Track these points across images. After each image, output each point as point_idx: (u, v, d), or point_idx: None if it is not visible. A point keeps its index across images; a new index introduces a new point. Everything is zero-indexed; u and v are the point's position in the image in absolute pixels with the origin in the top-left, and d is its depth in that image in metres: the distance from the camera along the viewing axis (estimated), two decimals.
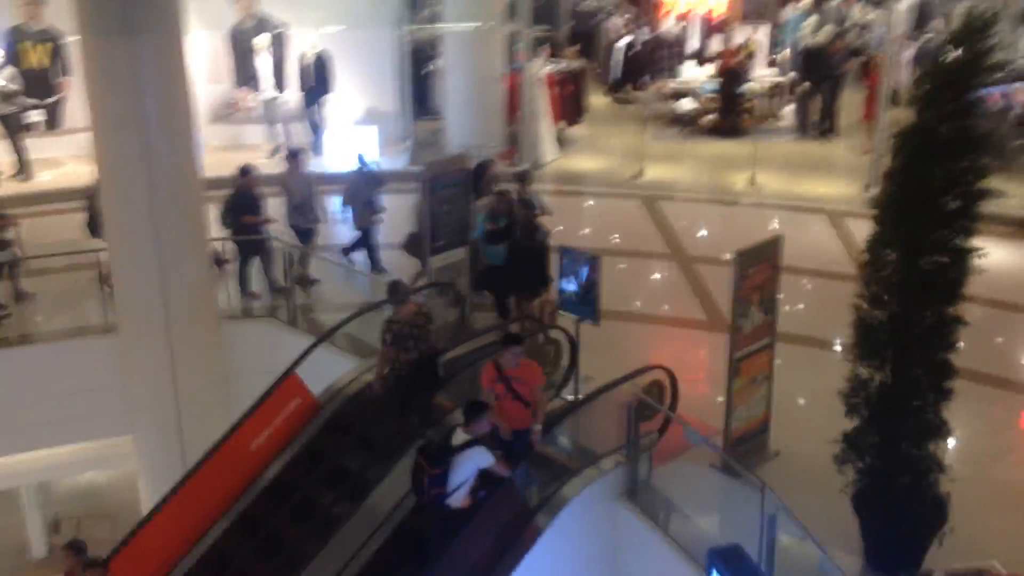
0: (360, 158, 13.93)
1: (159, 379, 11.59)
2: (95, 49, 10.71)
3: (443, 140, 18.41)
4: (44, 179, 16.75)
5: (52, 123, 17.45)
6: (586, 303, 10.34)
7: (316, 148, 17.91)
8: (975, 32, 6.92)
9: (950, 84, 6.97)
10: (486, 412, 8.38)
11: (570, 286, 10.49)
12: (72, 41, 16.74)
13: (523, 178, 12.54)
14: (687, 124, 20.01)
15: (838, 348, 11.42)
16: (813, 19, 20.14)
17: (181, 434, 11.79)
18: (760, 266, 9.12)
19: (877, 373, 7.87)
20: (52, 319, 12.67)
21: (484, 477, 8.36)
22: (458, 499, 8.28)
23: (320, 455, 10.01)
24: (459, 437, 8.25)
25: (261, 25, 17.76)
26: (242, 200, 12.55)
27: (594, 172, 18.09)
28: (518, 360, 8.86)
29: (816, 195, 16.61)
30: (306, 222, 13.10)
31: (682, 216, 15.91)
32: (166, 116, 10.92)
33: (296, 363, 10.20)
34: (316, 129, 17.98)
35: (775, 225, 15.64)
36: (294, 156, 13.22)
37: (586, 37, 23.13)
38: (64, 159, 17.33)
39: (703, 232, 15.62)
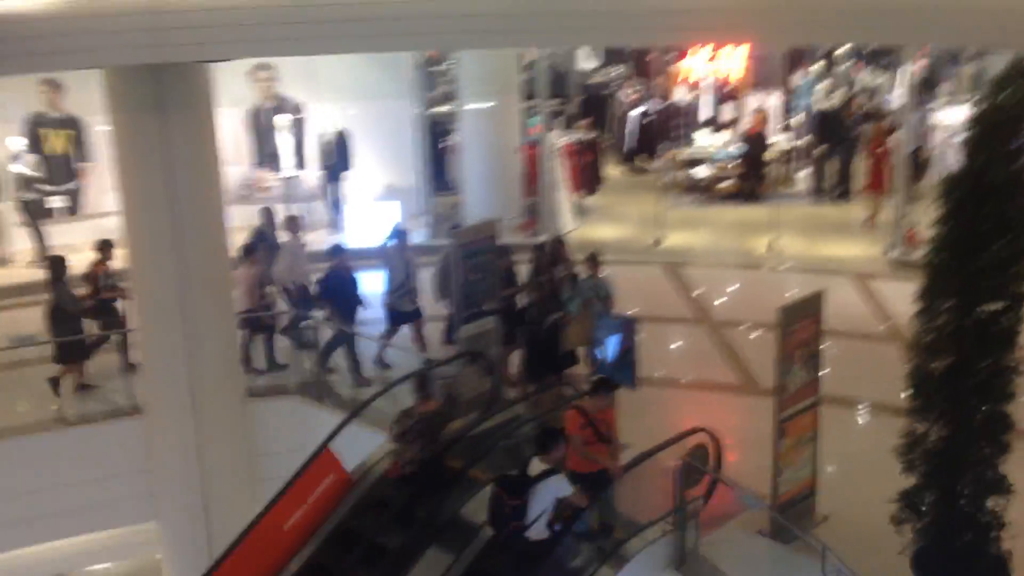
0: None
1: (185, 460, 11.45)
2: (125, 126, 10.75)
3: (461, 214, 18.43)
4: None
5: (73, 209, 17.47)
6: (623, 368, 10.19)
7: (336, 225, 17.95)
8: (1022, 75, 6.87)
9: (998, 127, 6.90)
10: (562, 439, 8.48)
11: (606, 351, 10.36)
12: (94, 126, 17.02)
13: (596, 260, 11.93)
14: (703, 191, 20.03)
15: (874, 408, 11.24)
16: (826, 83, 20.27)
17: (208, 517, 11.58)
18: (803, 322, 8.98)
19: (934, 427, 7.69)
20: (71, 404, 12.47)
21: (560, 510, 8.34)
22: (537, 531, 8.24)
23: (355, 534, 9.75)
24: (536, 467, 8.27)
25: (281, 105, 17.90)
26: (337, 280, 12.18)
27: (613, 241, 18.02)
28: (606, 403, 9.04)
29: (837, 257, 16.53)
30: (410, 303, 12.68)
31: (705, 282, 15.81)
32: (196, 193, 10.95)
33: (331, 437, 10.02)
34: (335, 207, 18.00)
35: (798, 288, 15.51)
36: (398, 235, 12.71)
37: (597, 109, 23.29)
38: (84, 245, 17.30)
39: (727, 297, 15.50)
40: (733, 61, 21.09)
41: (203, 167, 11.09)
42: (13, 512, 11.46)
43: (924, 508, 7.87)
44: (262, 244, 13.48)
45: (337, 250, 12.48)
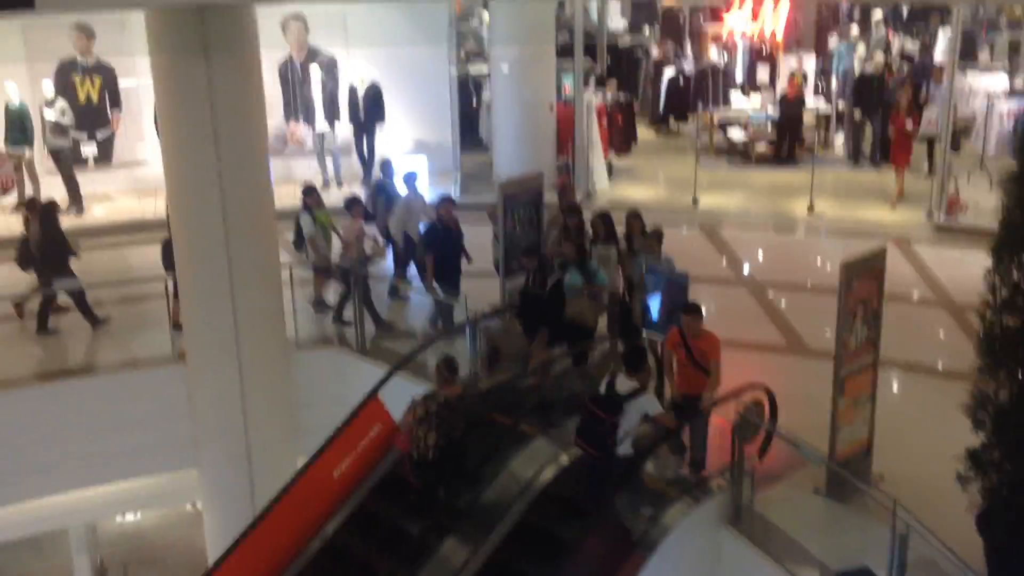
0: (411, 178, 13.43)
1: (228, 409, 11.31)
2: (169, 68, 10.54)
3: (491, 172, 18.28)
4: (97, 214, 16.58)
5: (104, 157, 17.32)
6: (671, 323, 10.02)
7: (366, 180, 17.77)
8: None
9: None
10: (647, 356, 8.71)
11: (655, 305, 10.20)
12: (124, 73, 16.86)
13: (660, 238, 11.19)
14: (738, 153, 19.79)
15: (922, 371, 11.11)
16: (862, 47, 19.97)
17: (250, 466, 11.46)
18: (865, 278, 8.81)
19: (1003, 384, 7.53)
20: (116, 350, 12.40)
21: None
22: (624, 448, 8.41)
23: (403, 484, 9.67)
24: (624, 385, 8.43)
25: (313, 57, 17.67)
26: (441, 232, 11.92)
27: (647, 201, 17.77)
28: (698, 330, 9.09)
29: (877, 221, 16.29)
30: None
31: (744, 243, 15.63)
32: (240, 137, 10.72)
33: (378, 386, 9.92)
34: (367, 161, 17.82)
35: (839, 251, 15.32)
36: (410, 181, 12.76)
37: (625, 70, 23.02)
38: (115, 194, 17.21)
39: (767, 258, 15.32)
40: (774, 20, 20.73)
41: (248, 112, 10.88)
42: (54, 456, 11.39)
43: (991, 466, 7.71)
44: (380, 196, 13.49)
45: (443, 201, 12.14)
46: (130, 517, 16.45)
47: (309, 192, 12.82)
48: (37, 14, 9.09)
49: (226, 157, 10.64)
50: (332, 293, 13.04)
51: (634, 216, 11.41)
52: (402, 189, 13.46)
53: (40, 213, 12.52)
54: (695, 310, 9.30)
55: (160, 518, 16.59)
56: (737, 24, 21.01)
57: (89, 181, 16.81)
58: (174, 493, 13.46)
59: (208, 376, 11.32)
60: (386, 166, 14.14)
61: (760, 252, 15.38)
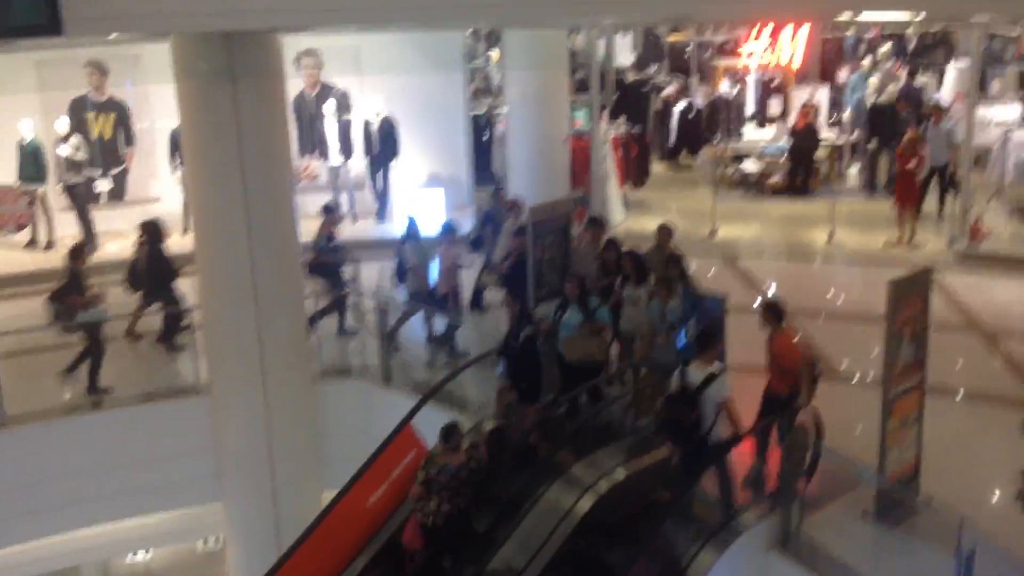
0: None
1: (253, 440, 11.11)
2: (195, 93, 10.43)
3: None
4: (110, 250, 16.39)
5: (117, 194, 17.18)
6: (706, 347, 9.82)
7: (381, 215, 17.67)
8: None
9: None
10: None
11: (690, 330, 10.02)
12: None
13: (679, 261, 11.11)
14: (752, 185, 19.74)
15: (958, 395, 10.93)
16: (875, 79, 19.99)
17: (275, 498, 11.21)
18: (911, 298, 8.65)
19: None
20: (136, 383, 12.16)
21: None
22: (715, 436, 8.66)
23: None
24: (695, 375, 8.70)
25: (325, 92, 17.62)
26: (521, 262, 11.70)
27: None
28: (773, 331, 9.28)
29: (899, 251, 16.18)
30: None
31: (766, 273, 15.47)
32: (267, 163, 10.62)
33: (412, 414, 9.72)
34: (381, 195, 17.72)
35: (863, 279, 15.26)
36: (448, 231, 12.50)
37: (633, 105, 22.99)
38: (129, 231, 16.99)
39: (790, 287, 15.15)
40: (791, 47, 20.74)
41: (274, 138, 10.79)
42: (74, 492, 11.14)
43: None
44: (486, 226, 13.37)
45: (521, 232, 11.97)
46: (140, 557, 16.11)
47: (329, 210, 12.75)
48: (66, 37, 8.94)
49: (252, 183, 10.54)
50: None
51: (665, 231, 11.46)
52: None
53: (150, 235, 12.53)
54: (775, 311, 9.34)
55: (172, 557, 16.24)
56: (754, 54, 20.97)
57: (102, 218, 16.64)
58: (191, 529, 13.19)
59: (233, 407, 11.11)
60: (514, 203, 13.39)
61: (783, 282, 15.22)
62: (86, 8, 9.03)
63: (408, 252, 12.45)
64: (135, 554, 15.89)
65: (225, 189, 10.53)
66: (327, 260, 12.62)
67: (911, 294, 8.64)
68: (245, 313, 10.72)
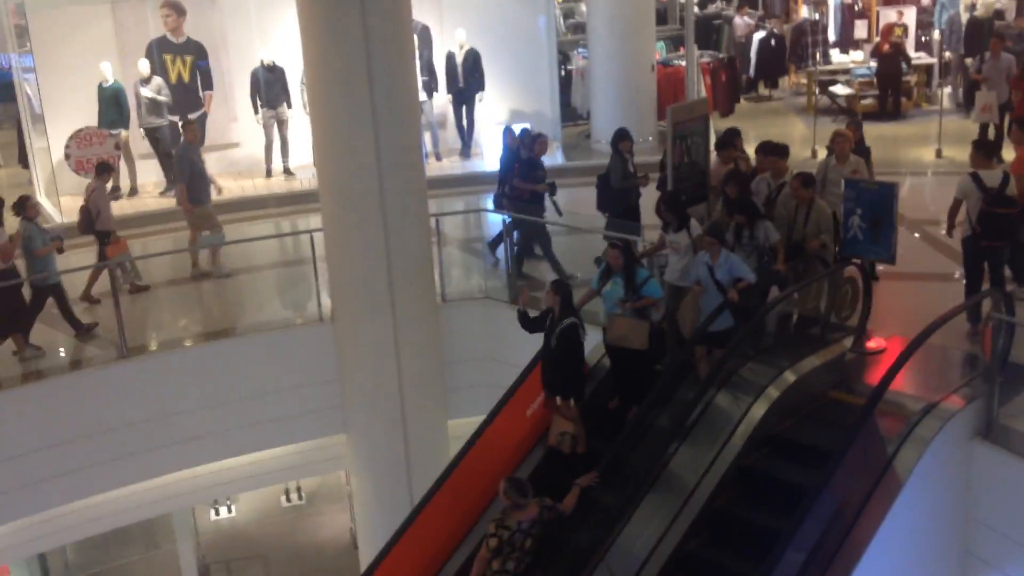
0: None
1: (382, 368, 10.60)
2: (321, 10, 9.89)
3: (587, 141, 17.79)
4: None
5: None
6: (877, 240, 9.27)
7: (466, 152, 17.13)
8: None
9: None
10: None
11: (857, 224, 9.43)
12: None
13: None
14: (843, 110, 19.06)
15: None
16: None
17: (405, 427, 10.75)
18: None
19: None
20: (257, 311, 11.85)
21: None
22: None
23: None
24: None
25: None
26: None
27: None
28: None
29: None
30: None
31: None
32: (393, 78, 10.04)
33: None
34: (464, 130, 17.16)
35: None
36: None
37: (707, 38, 22.32)
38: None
39: (914, 200, 14.62)
40: None
41: (401, 55, 10.25)
42: (195, 427, 10.74)
43: None
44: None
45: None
46: (224, 512, 15.79)
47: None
48: None
49: (380, 99, 9.97)
50: None
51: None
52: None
53: None
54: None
55: (257, 513, 15.96)
56: None
57: None
58: (307, 464, 12.72)
59: (360, 334, 10.63)
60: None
61: (905, 194, 14.63)
62: None
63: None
64: (218, 512, 15.66)
65: (353, 105, 9.96)
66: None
67: None
68: (374, 235, 10.21)
